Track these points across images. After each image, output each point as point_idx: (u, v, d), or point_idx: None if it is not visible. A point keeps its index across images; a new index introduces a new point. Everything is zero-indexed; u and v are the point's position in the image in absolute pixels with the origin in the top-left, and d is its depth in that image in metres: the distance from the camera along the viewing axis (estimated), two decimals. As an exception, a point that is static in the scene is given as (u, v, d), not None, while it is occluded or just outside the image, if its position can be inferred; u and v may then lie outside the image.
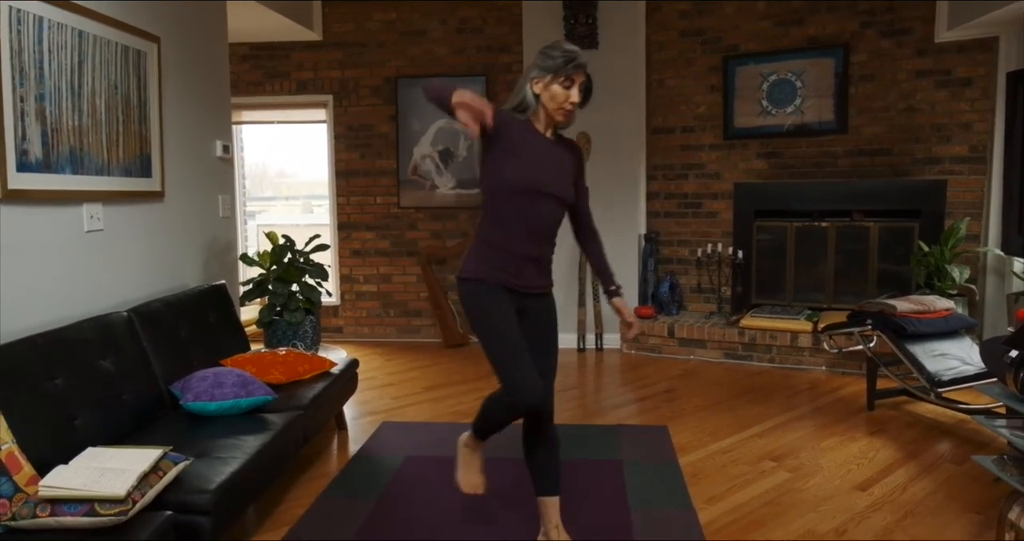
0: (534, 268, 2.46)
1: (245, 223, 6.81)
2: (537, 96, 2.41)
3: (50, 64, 2.87)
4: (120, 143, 3.33)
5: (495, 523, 2.87)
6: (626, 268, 6.00)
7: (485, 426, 2.54)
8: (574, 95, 2.39)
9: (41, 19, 2.81)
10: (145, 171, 3.54)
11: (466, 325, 6.30)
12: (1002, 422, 2.90)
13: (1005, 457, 2.72)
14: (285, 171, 8.13)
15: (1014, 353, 2.65)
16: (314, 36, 6.25)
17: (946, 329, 4.12)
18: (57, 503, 1.92)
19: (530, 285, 2.46)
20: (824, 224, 5.67)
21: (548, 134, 2.48)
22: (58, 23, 2.91)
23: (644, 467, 3.41)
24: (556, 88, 2.38)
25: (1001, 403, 3.02)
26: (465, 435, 2.65)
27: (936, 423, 4.06)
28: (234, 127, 6.06)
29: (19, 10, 2.69)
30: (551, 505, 2.55)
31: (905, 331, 4.02)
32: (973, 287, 5.11)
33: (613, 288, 2.64)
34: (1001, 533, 2.53)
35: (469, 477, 2.62)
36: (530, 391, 2.29)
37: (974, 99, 5.30)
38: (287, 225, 7.37)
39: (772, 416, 4.21)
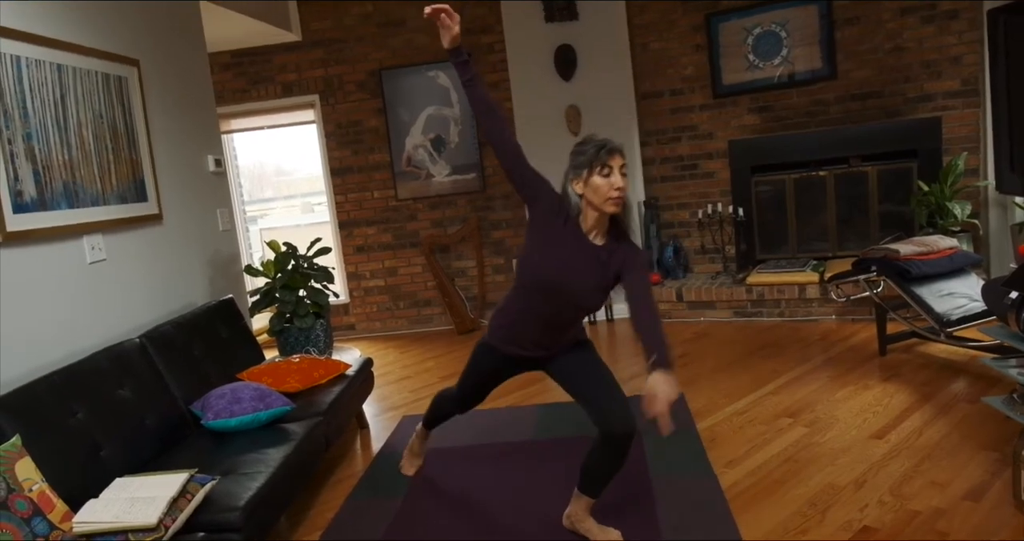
0: (550, 340, 2.57)
1: (247, 230, 6.85)
2: (581, 196, 2.35)
3: (33, 102, 2.89)
4: (112, 171, 3.37)
5: (520, 509, 2.93)
6: (629, 237, 6.01)
7: (432, 418, 3.18)
8: (617, 181, 2.29)
9: (18, 58, 2.83)
10: (140, 196, 3.58)
11: (476, 309, 6.35)
12: (1011, 362, 2.91)
13: (1015, 395, 2.75)
14: (283, 168, 8.16)
15: (1014, 294, 2.67)
16: (293, 37, 6.23)
17: (951, 268, 4.12)
18: (92, 537, 1.99)
19: (545, 354, 2.61)
20: (822, 173, 5.65)
21: (596, 237, 2.39)
22: (36, 60, 2.93)
23: (663, 436, 3.45)
24: (596, 180, 2.30)
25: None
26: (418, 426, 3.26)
27: (948, 362, 4.09)
28: (225, 136, 6.11)
29: (-5, 53, 2.72)
30: (583, 501, 2.60)
31: (910, 274, 4.02)
32: (976, 222, 5.11)
33: (654, 358, 2.17)
34: (1017, 471, 2.56)
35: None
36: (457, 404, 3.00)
37: (962, 31, 5.26)
38: (289, 227, 7.42)
39: (786, 371, 4.25)
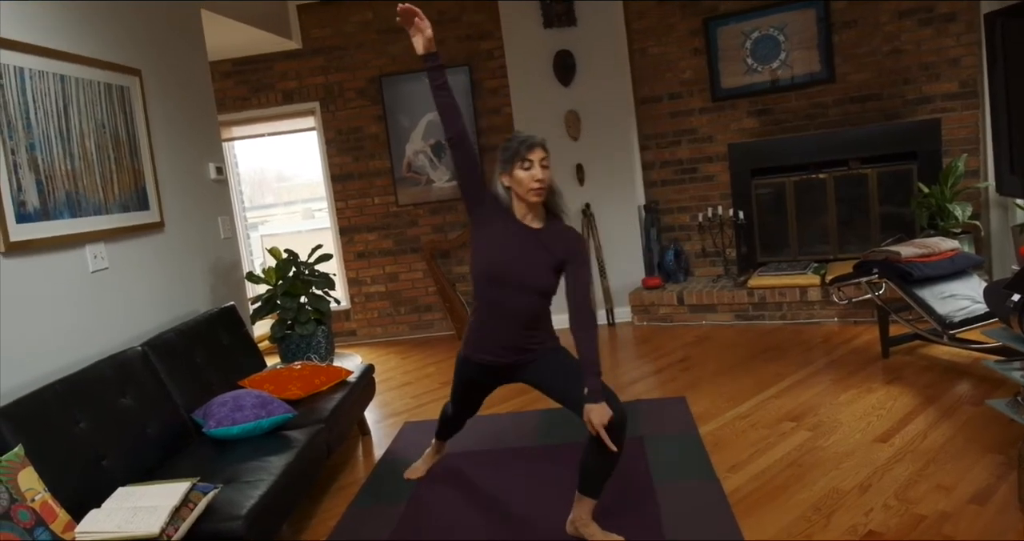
0: (520, 338, 2.64)
1: (248, 237, 6.86)
2: (508, 188, 2.54)
3: (36, 113, 2.90)
4: (114, 180, 3.38)
5: (523, 515, 2.93)
6: (629, 241, 6.03)
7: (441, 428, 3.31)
8: (537, 173, 2.48)
9: (22, 70, 2.84)
10: (142, 204, 3.59)
11: (479, 314, 6.34)
12: (1015, 364, 2.90)
13: (1019, 398, 2.74)
14: (284, 175, 8.17)
15: (1016, 297, 2.67)
16: (293, 44, 6.24)
17: (953, 270, 4.12)
18: (95, 547, 1.99)
19: (519, 359, 2.68)
20: (822, 175, 5.65)
21: (531, 222, 2.57)
22: (39, 71, 2.94)
23: (665, 441, 3.46)
24: (518, 173, 2.49)
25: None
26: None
27: (952, 364, 4.08)
28: (226, 144, 6.12)
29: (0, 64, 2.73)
30: (585, 503, 2.61)
31: (912, 276, 4.02)
32: (977, 223, 5.11)
33: (587, 390, 2.43)
34: (1022, 474, 2.55)
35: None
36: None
37: (959, 34, 5.26)
38: (290, 233, 7.43)
39: (788, 374, 4.24)
